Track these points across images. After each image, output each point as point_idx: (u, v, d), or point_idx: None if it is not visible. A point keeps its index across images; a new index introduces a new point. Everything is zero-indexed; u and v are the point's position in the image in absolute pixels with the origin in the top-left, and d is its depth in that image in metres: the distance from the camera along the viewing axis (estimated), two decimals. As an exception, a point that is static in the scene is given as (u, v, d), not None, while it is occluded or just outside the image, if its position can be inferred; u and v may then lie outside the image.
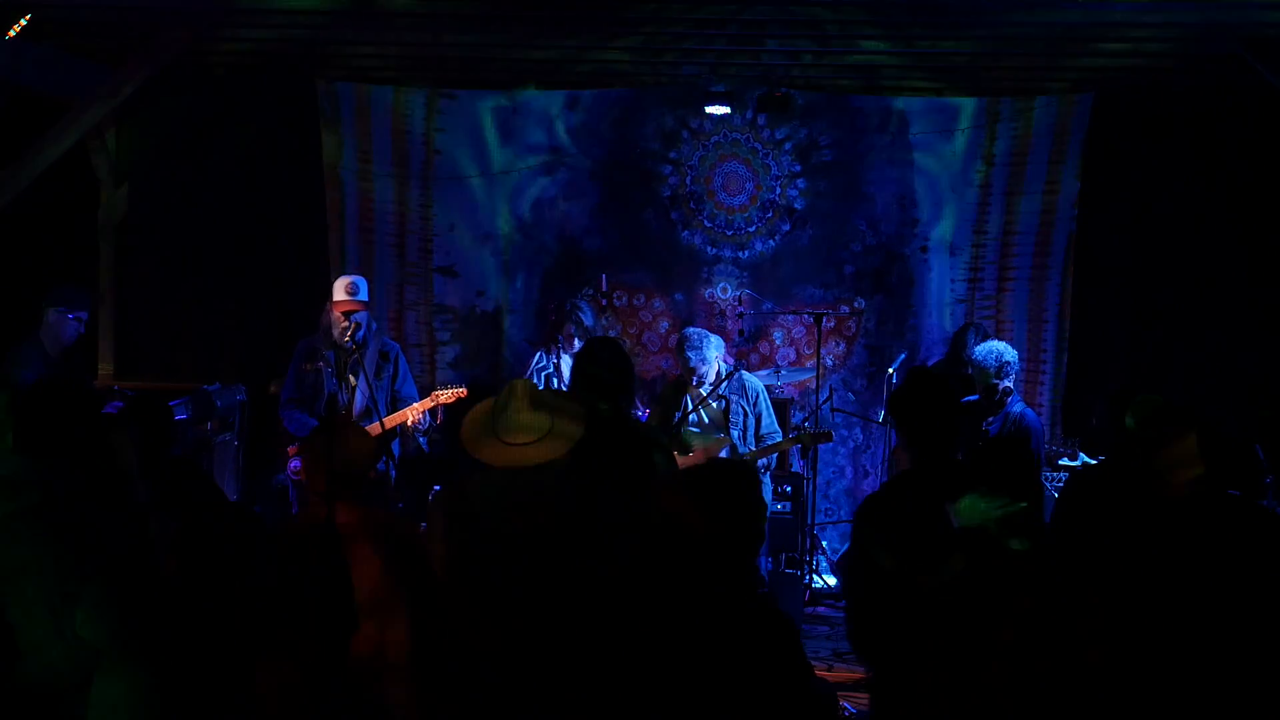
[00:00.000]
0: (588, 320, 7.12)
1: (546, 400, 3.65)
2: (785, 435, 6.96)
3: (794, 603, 7.06)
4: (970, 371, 6.88)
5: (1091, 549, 3.70)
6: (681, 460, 6.44)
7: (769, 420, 6.59)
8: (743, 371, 6.72)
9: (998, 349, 6.20)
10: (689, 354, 6.45)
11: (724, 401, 6.48)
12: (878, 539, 3.63)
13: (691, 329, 6.78)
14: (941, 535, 3.38)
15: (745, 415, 6.50)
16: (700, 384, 6.52)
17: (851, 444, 8.53)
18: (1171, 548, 3.54)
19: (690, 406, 6.51)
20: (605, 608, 3.27)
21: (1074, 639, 3.21)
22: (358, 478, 3.82)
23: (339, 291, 6.49)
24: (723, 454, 6.43)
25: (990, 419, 6.13)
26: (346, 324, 6.38)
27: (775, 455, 6.88)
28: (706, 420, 6.51)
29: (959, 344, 7.33)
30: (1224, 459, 3.71)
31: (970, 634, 3.25)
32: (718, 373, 6.59)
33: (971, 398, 6.35)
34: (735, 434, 6.45)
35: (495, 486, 3.61)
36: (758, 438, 6.52)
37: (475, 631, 3.57)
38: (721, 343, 7.23)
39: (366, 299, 6.51)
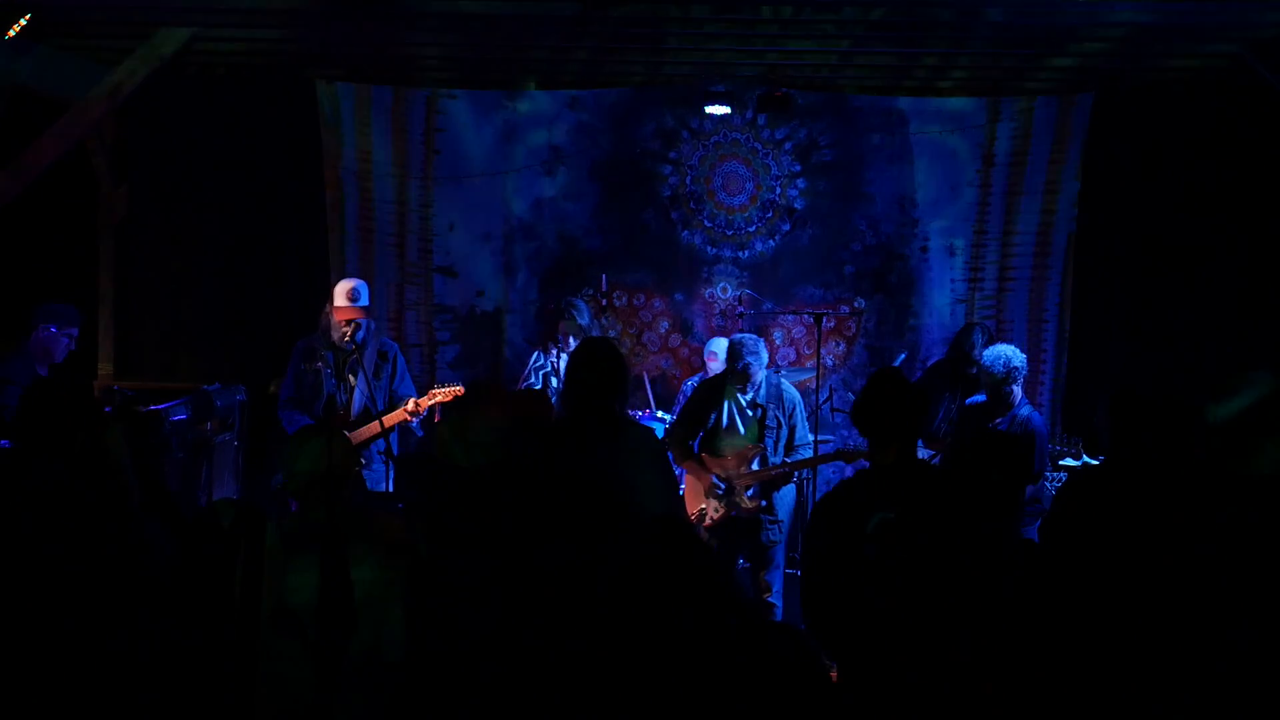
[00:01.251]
0: (583, 319, 7.11)
1: (509, 398, 3.75)
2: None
3: (793, 603, 7.06)
4: (975, 372, 6.87)
5: (1086, 548, 3.70)
6: (715, 462, 6.40)
7: (803, 432, 6.53)
8: (783, 381, 6.66)
9: (1006, 353, 6.15)
10: (748, 360, 6.33)
11: (761, 410, 6.43)
12: (823, 535, 3.69)
13: (746, 335, 6.63)
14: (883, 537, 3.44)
15: (780, 426, 6.44)
16: (749, 389, 6.46)
17: (852, 444, 8.51)
18: (1168, 547, 3.54)
19: (730, 410, 6.46)
20: (604, 612, 3.27)
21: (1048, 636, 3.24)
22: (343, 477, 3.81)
23: (340, 297, 6.47)
24: (754, 463, 6.38)
25: (997, 420, 6.11)
26: (346, 329, 6.37)
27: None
28: (742, 428, 6.45)
29: (962, 343, 7.30)
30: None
31: (923, 627, 3.29)
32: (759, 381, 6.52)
33: (978, 398, 6.34)
34: (769, 443, 6.41)
35: (486, 486, 3.63)
36: (789, 448, 6.47)
37: (471, 635, 3.57)
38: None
39: (368, 304, 6.50)
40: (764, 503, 6.38)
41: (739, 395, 6.41)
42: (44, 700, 3.37)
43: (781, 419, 6.44)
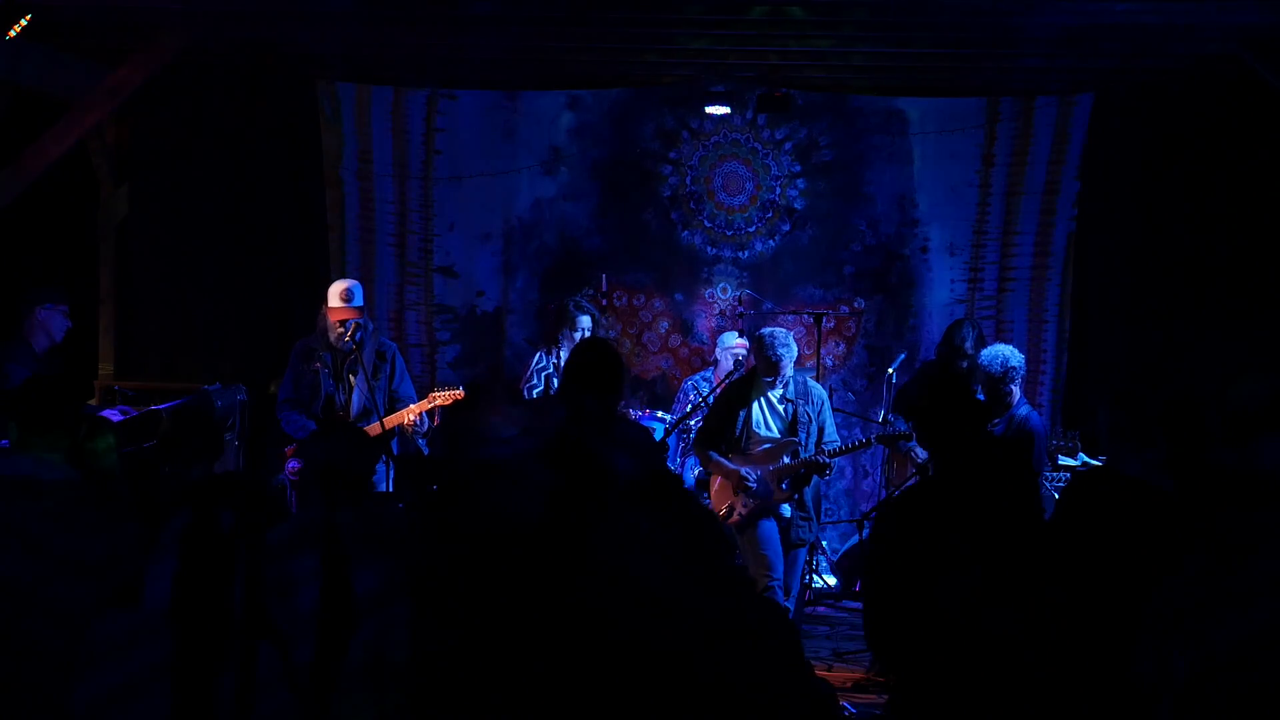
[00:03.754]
0: (594, 314, 7.14)
1: (524, 401, 3.75)
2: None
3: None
4: (966, 366, 6.88)
5: (1091, 551, 3.70)
6: (745, 459, 6.35)
7: (831, 430, 6.47)
8: (808, 378, 6.62)
9: (1003, 353, 6.15)
10: (780, 352, 6.26)
11: (792, 406, 6.39)
12: (895, 550, 3.60)
13: (775, 329, 6.54)
14: (959, 550, 3.39)
15: (811, 422, 6.39)
16: (778, 383, 6.40)
17: (851, 444, 8.50)
18: (1172, 548, 3.53)
19: (760, 407, 6.41)
20: (596, 610, 3.27)
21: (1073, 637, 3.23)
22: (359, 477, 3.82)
23: (334, 298, 6.48)
24: (786, 458, 6.33)
25: (995, 420, 6.11)
26: (342, 329, 6.38)
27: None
28: (773, 425, 6.39)
29: (953, 338, 7.29)
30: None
31: (987, 642, 3.26)
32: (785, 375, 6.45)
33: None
34: (801, 437, 6.36)
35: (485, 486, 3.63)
36: (818, 446, 6.41)
37: (474, 634, 3.56)
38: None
39: (362, 304, 6.51)
40: (796, 497, 6.30)
41: (768, 391, 6.36)
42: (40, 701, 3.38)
43: (812, 414, 6.37)
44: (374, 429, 6.30)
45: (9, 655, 3.37)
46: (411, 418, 6.43)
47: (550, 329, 7.34)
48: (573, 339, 6.96)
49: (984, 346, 6.81)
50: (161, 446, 3.94)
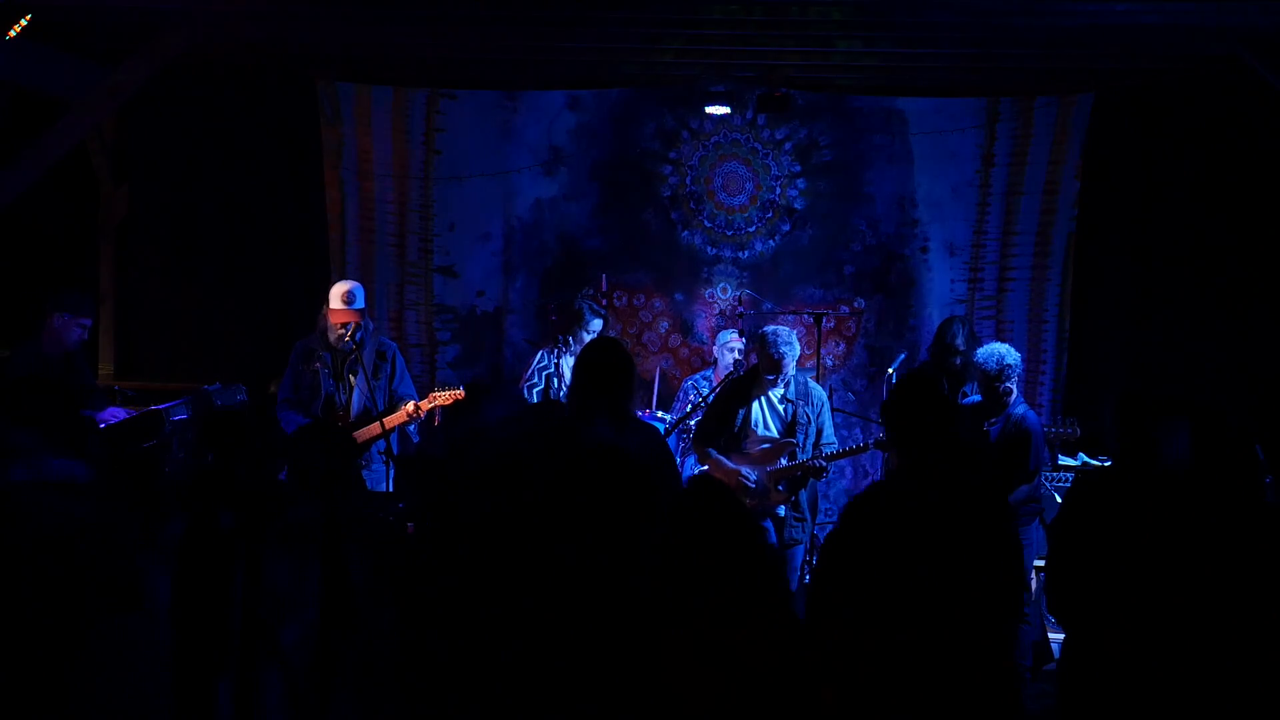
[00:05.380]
0: (607, 319, 7.16)
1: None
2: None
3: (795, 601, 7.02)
4: (959, 363, 6.88)
5: (1096, 551, 3.71)
6: (742, 458, 6.34)
7: (829, 431, 6.46)
8: (809, 378, 6.60)
9: (999, 351, 6.15)
10: (783, 350, 6.24)
11: (791, 406, 6.37)
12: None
13: (779, 327, 6.52)
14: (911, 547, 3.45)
15: (809, 423, 6.37)
16: (779, 382, 6.37)
17: (851, 444, 8.50)
18: (1176, 548, 3.54)
19: (760, 406, 6.39)
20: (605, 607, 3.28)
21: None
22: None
23: (335, 299, 6.48)
24: (783, 459, 6.32)
25: (992, 420, 6.11)
26: (342, 331, 6.38)
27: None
28: (772, 425, 6.36)
29: (944, 335, 7.29)
30: (1224, 456, 3.71)
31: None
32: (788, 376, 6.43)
33: (974, 399, 6.33)
34: (799, 439, 6.35)
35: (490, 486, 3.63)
36: (816, 448, 6.40)
37: (472, 630, 3.57)
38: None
39: (363, 306, 6.51)
40: (792, 498, 6.31)
41: (769, 390, 6.34)
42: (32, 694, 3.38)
43: (811, 416, 6.36)
44: (374, 429, 6.30)
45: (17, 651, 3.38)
46: (408, 417, 6.42)
47: (556, 327, 7.32)
48: (581, 340, 6.94)
49: (975, 342, 6.83)
50: (204, 438, 3.93)
